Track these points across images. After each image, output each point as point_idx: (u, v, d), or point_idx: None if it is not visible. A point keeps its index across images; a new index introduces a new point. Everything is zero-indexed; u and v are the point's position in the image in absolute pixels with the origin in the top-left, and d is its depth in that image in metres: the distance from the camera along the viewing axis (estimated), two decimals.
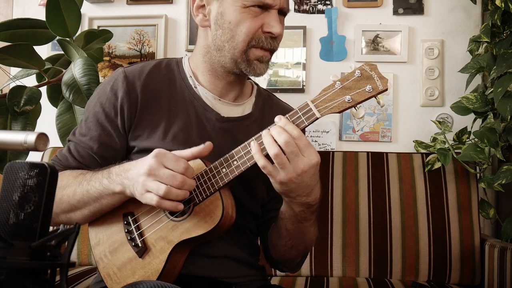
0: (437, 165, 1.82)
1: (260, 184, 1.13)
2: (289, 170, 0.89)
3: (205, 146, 0.94)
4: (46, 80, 1.73)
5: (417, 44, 2.15)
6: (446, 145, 1.87)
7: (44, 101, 1.74)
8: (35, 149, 0.58)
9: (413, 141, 2.01)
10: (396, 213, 1.81)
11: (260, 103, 1.19)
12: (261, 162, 0.91)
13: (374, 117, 2.14)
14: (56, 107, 1.75)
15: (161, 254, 0.99)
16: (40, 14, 1.92)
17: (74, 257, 1.86)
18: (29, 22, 1.70)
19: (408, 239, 1.78)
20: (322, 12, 2.19)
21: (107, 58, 2.30)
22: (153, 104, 1.09)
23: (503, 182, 1.68)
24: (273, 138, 0.89)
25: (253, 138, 0.95)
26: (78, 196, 1.01)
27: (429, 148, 1.93)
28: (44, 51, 2.14)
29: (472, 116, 1.92)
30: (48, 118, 1.83)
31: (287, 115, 0.93)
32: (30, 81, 1.75)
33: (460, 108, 1.90)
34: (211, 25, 1.07)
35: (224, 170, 0.96)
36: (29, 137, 0.58)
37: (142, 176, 0.91)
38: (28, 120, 1.67)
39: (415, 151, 1.97)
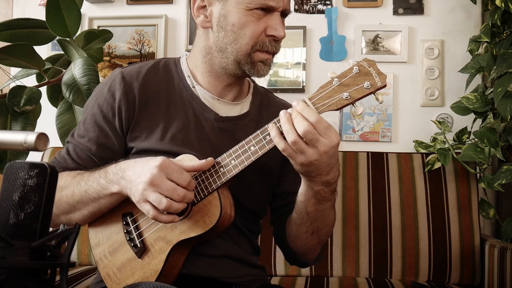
0: (437, 165, 1.82)
1: (260, 182, 1.13)
2: (309, 153, 0.88)
3: (207, 162, 0.95)
4: (46, 80, 1.73)
5: (417, 44, 2.15)
6: (446, 145, 1.87)
7: (44, 101, 1.74)
8: (35, 149, 0.58)
9: (413, 141, 2.01)
10: (396, 213, 1.81)
11: (257, 100, 1.19)
12: (281, 145, 0.89)
13: (374, 117, 2.14)
14: (56, 107, 1.75)
15: (160, 254, 0.99)
16: (40, 14, 1.92)
17: (74, 257, 1.86)
18: (29, 22, 1.70)
19: (408, 239, 1.78)
20: (322, 12, 2.19)
21: (107, 58, 2.30)
22: (151, 104, 1.09)
23: (503, 182, 1.68)
24: (293, 124, 0.87)
25: (251, 137, 0.94)
26: (76, 197, 1.01)
27: (429, 148, 1.93)
28: (44, 51, 2.14)
29: (472, 116, 1.92)
30: (48, 118, 1.83)
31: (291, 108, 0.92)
32: (30, 81, 1.75)
33: (460, 108, 1.90)
34: (213, 26, 1.06)
35: (222, 169, 0.96)
36: (29, 137, 0.58)
37: (143, 184, 0.90)
38: (28, 120, 1.67)
39: (415, 151, 1.97)
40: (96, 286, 1.12)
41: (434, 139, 1.96)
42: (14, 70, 1.88)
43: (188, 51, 2.23)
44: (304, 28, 2.19)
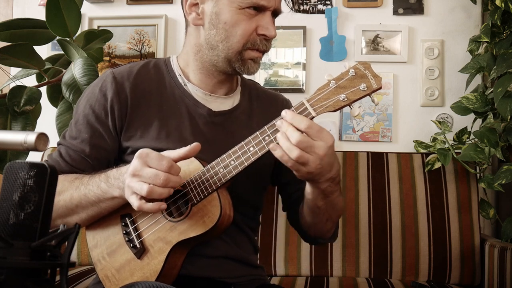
0: (437, 165, 1.82)
1: (259, 176, 1.14)
2: (311, 161, 0.89)
3: (192, 147, 0.92)
4: (46, 80, 1.73)
5: (417, 44, 2.15)
6: (446, 145, 1.87)
7: (44, 101, 1.74)
8: (35, 149, 0.58)
9: (413, 141, 2.01)
10: (396, 213, 1.81)
11: (247, 92, 1.21)
12: (289, 164, 0.90)
13: (374, 117, 2.14)
14: (56, 107, 1.75)
15: (160, 255, 0.99)
16: (40, 14, 1.92)
17: (74, 257, 1.86)
18: (29, 22, 1.70)
19: (408, 239, 1.78)
20: (322, 12, 2.19)
21: (107, 58, 2.30)
22: (143, 103, 1.09)
23: (503, 182, 1.68)
24: (289, 140, 0.88)
25: (250, 138, 0.95)
26: (75, 200, 1.01)
27: (429, 148, 1.93)
28: (44, 51, 2.14)
29: (472, 116, 1.92)
30: (48, 118, 1.83)
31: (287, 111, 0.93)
32: (30, 81, 1.75)
33: (460, 108, 1.90)
34: (205, 24, 1.07)
35: (221, 170, 0.96)
36: (29, 137, 0.58)
37: (128, 177, 0.91)
38: (28, 120, 1.67)
39: (415, 151, 1.97)
40: (94, 287, 1.12)
41: (434, 139, 1.96)
42: (14, 70, 1.88)
43: None
44: (304, 28, 2.19)
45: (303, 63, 2.19)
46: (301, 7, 2.21)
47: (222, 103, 1.14)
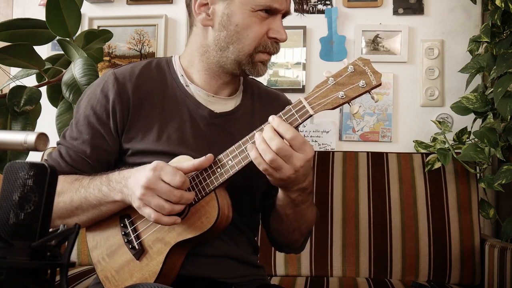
0: (437, 165, 1.82)
1: (257, 175, 1.14)
2: (285, 169, 0.90)
3: (206, 159, 0.95)
4: (46, 80, 1.73)
5: (417, 44, 2.15)
6: (446, 145, 1.87)
7: (44, 101, 1.74)
8: (35, 149, 0.58)
9: (413, 141, 2.01)
10: (396, 213, 1.81)
11: (249, 91, 1.20)
12: (262, 166, 0.91)
13: (374, 117, 2.14)
14: (56, 107, 1.74)
15: (158, 256, 0.99)
16: (40, 14, 1.92)
17: (74, 257, 1.86)
18: (29, 22, 1.70)
19: (408, 239, 1.78)
20: (322, 12, 2.19)
21: (107, 58, 2.30)
22: (145, 105, 1.08)
23: (503, 182, 1.68)
24: (267, 144, 0.89)
25: (248, 137, 0.94)
26: (75, 203, 1.00)
27: (429, 148, 1.93)
28: (44, 51, 2.14)
29: (472, 116, 1.92)
30: (48, 118, 1.83)
31: (280, 113, 0.92)
32: (30, 81, 1.75)
33: (460, 108, 1.90)
34: (215, 25, 1.06)
35: (219, 170, 0.96)
36: (29, 137, 0.58)
37: (140, 188, 0.90)
38: (28, 120, 1.67)
39: (415, 151, 1.97)
40: (94, 287, 1.12)
41: (434, 139, 1.96)
42: (14, 70, 1.88)
43: None
44: (304, 28, 2.19)
45: (303, 63, 2.19)
46: (301, 7, 2.21)
47: (224, 104, 1.13)
